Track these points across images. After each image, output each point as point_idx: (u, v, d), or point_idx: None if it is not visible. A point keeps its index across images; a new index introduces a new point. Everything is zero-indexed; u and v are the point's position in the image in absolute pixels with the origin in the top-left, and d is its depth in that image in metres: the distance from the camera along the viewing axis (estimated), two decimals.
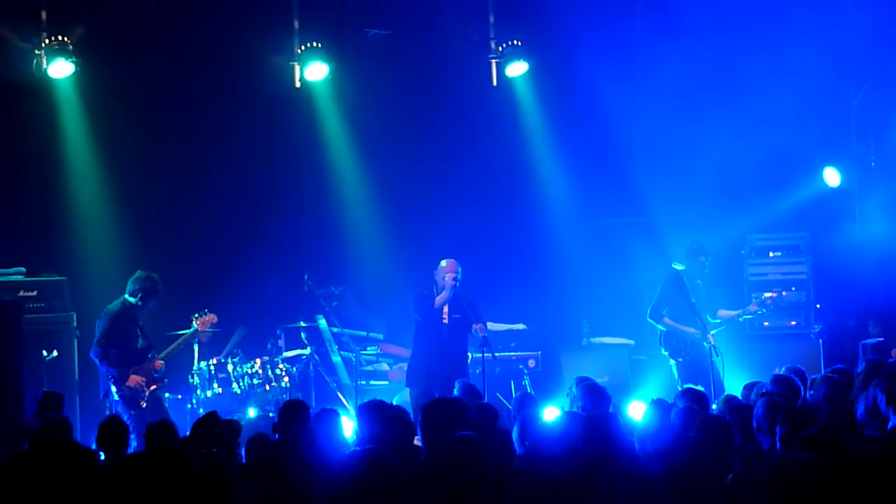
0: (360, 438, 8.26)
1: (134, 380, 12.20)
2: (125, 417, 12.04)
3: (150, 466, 5.80)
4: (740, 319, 14.71)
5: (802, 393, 9.75)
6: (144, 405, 12.22)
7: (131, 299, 12.40)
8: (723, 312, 14.41)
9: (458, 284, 13.05)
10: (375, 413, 8.17)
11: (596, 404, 9.20)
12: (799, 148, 16.33)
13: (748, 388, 10.23)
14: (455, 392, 10.30)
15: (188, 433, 8.52)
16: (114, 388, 12.20)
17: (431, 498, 5.78)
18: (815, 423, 7.14)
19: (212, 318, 13.29)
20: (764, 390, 9.55)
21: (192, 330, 13.19)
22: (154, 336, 12.85)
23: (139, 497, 5.70)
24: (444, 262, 13.29)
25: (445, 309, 13.16)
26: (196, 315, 13.22)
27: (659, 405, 9.32)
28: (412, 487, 6.04)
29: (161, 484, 5.69)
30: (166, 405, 13.03)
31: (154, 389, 12.43)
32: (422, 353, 13.21)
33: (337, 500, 5.35)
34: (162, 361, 12.62)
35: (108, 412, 13.08)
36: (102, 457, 8.16)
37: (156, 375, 12.48)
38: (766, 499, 5.18)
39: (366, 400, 8.85)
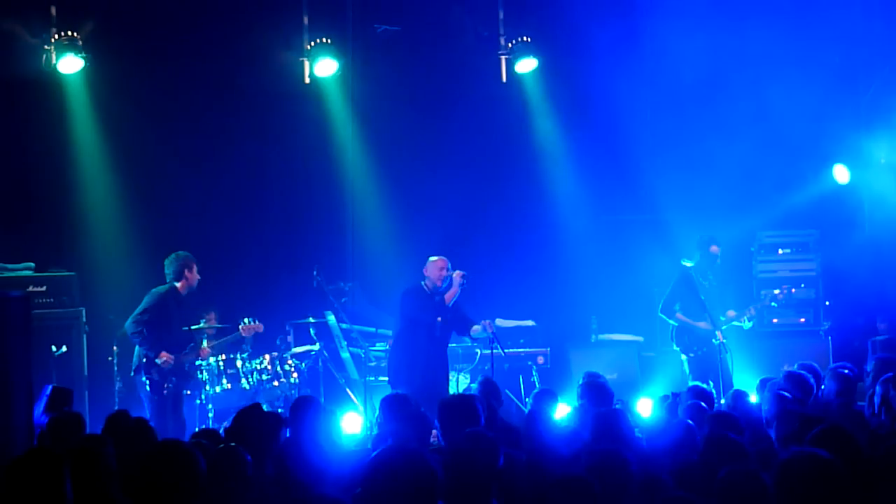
0: (381, 432, 8.27)
1: (164, 356, 12.28)
2: (146, 403, 12.19)
3: (156, 462, 5.81)
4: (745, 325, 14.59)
5: (814, 390, 9.75)
6: (166, 393, 12.29)
7: (175, 283, 12.54)
8: (731, 313, 14.36)
9: (465, 282, 13.00)
10: (398, 408, 8.20)
11: (599, 401, 9.21)
12: (808, 145, 16.32)
13: (763, 384, 10.23)
14: (475, 387, 10.29)
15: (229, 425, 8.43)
16: (143, 371, 12.30)
17: (447, 493, 5.78)
18: (820, 420, 7.11)
19: (258, 327, 13.40)
20: (777, 387, 9.56)
21: (236, 334, 13.30)
22: None
23: (145, 491, 5.71)
24: (434, 258, 13.17)
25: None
26: (246, 320, 13.31)
27: (667, 401, 9.33)
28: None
29: (166, 479, 5.70)
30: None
31: (178, 382, 12.51)
32: (415, 352, 12.96)
33: (373, 497, 5.33)
34: (209, 350, 12.78)
35: (116, 402, 13.20)
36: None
37: (186, 368, 12.57)
38: (778, 494, 5.18)
39: (386, 395, 8.85)
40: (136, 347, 12.54)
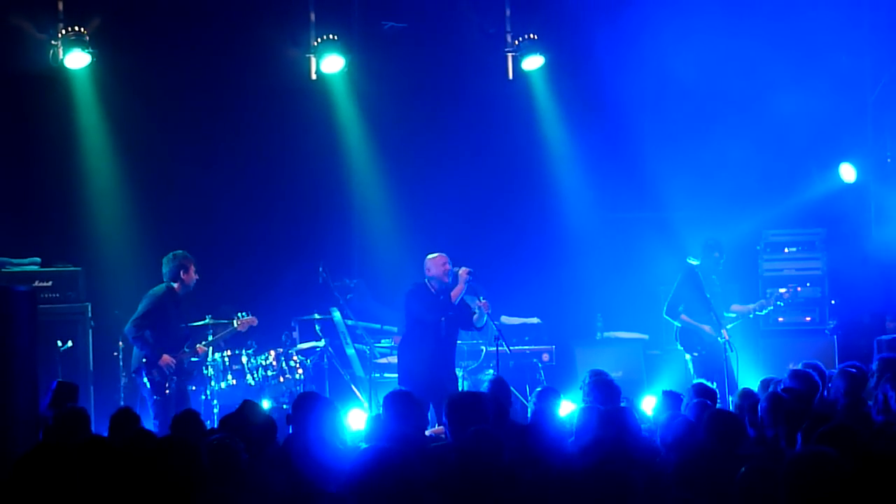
0: (383, 429, 8.27)
1: (165, 359, 12.28)
2: (149, 402, 12.18)
3: (158, 456, 5.82)
4: (751, 316, 14.68)
5: (820, 388, 9.73)
6: (169, 392, 12.29)
7: (172, 284, 12.51)
8: (736, 307, 14.43)
9: (472, 279, 12.94)
10: (400, 405, 8.20)
11: (607, 399, 9.20)
12: (815, 143, 16.30)
13: (765, 384, 10.22)
14: (486, 385, 10.27)
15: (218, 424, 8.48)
16: (143, 372, 12.30)
17: (450, 490, 5.79)
18: (820, 419, 7.11)
19: (252, 320, 13.35)
20: (782, 385, 9.54)
21: (231, 329, 13.25)
22: None
23: (146, 486, 5.73)
24: (433, 255, 12.87)
25: None
26: (239, 314, 13.29)
27: (669, 397, 9.33)
28: (431, 481, 6.05)
29: (169, 472, 5.71)
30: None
31: (180, 380, 12.51)
32: (421, 351, 12.78)
33: (354, 497, 5.34)
34: (206, 347, 12.76)
35: (121, 398, 13.20)
36: None
37: (185, 366, 12.57)
38: (786, 492, 5.17)
39: (389, 391, 8.83)
40: (134, 350, 12.56)
